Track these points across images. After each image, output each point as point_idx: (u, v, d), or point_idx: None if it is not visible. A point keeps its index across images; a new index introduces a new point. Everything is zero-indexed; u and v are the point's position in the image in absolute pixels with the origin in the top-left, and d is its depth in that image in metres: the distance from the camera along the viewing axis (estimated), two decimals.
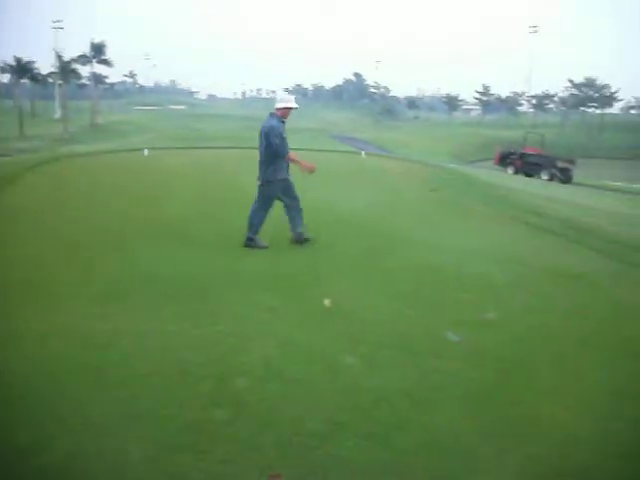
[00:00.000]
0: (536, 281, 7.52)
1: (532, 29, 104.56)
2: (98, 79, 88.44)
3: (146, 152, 22.68)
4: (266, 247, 8.58)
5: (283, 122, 8.67)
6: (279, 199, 8.76)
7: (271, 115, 8.72)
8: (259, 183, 8.70)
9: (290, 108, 8.70)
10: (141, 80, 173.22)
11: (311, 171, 8.76)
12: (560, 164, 38.70)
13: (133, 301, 5.98)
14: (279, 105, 8.69)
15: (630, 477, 3.45)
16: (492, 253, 8.88)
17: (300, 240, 8.79)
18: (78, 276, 6.87)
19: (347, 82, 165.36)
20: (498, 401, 4.25)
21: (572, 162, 39.34)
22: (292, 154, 8.69)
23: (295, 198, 8.80)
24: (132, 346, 4.89)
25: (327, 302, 6.01)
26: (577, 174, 39.20)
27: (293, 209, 8.80)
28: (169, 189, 14.11)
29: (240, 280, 6.90)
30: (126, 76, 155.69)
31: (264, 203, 8.73)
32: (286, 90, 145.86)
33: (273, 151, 8.49)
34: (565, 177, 37.53)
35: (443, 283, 7.23)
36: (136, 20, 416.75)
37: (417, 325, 5.66)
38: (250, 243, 8.59)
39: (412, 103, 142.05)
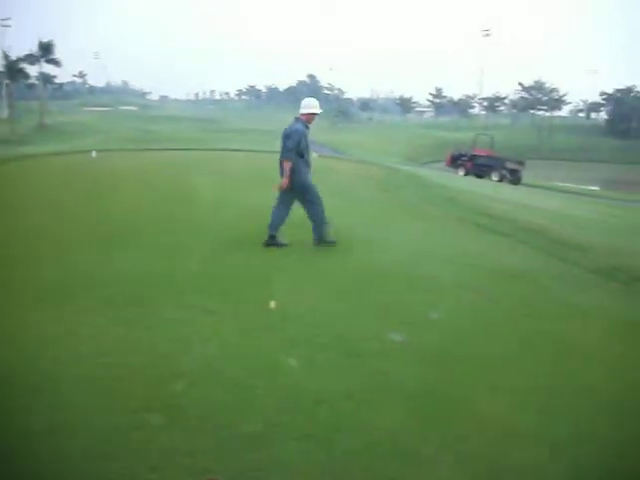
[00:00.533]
0: (483, 281, 7.58)
1: (484, 32, 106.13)
2: (47, 79, 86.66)
3: (94, 154, 22.36)
4: (334, 243, 9.00)
5: (307, 127, 8.84)
6: (297, 198, 8.98)
7: (296, 119, 8.90)
8: (295, 189, 8.82)
9: (315, 114, 8.91)
10: (91, 80, 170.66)
11: (282, 187, 8.76)
12: (510, 165, 39.32)
13: (69, 306, 5.82)
14: (305, 110, 8.88)
15: (568, 473, 3.47)
16: (440, 253, 8.95)
17: (269, 243, 8.82)
18: (13, 281, 6.69)
19: (301, 84, 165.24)
20: (440, 400, 4.24)
21: (521, 163, 40.00)
22: (287, 165, 8.63)
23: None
24: (65, 352, 4.75)
25: (272, 304, 5.95)
26: (527, 175, 39.87)
27: (286, 212, 9.00)
28: (115, 192, 13.92)
29: (179, 282, 6.80)
30: (75, 76, 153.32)
31: (313, 200, 8.92)
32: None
33: (284, 153, 8.69)
34: (514, 178, 38.12)
35: (390, 283, 7.24)
36: (86, 18, 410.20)
37: (362, 326, 5.64)
38: (319, 243, 8.95)
39: (366, 105, 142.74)
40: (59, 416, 3.76)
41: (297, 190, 8.83)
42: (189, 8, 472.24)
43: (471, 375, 4.73)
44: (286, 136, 8.71)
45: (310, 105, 8.93)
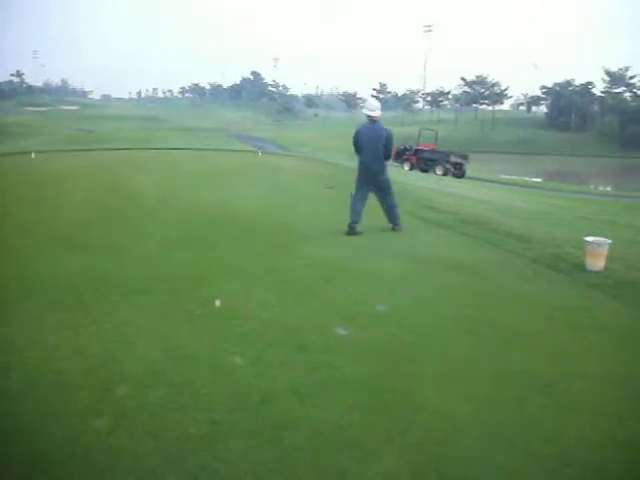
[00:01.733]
0: (426, 273, 7.68)
1: (426, 28, 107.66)
2: None
3: (33, 155, 21.93)
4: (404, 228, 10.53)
5: None
6: (376, 188, 10.52)
7: (375, 122, 10.25)
8: (382, 177, 10.39)
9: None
10: (29, 79, 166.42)
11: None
12: (454, 159, 39.83)
13: (13, 311, 5.69)
14: (379, 113, 10.28)
15: (513, 460, 3.52)
16: (384, 247, 9.05)
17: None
18: None
19: (245, 81, 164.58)
20: (385, 392, 4.29)
21: (465, 157, 40.56)
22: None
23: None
24: (9, 359, 4.64)
25: (217, 302, 5.92)
26: (471, 168, 40.46)
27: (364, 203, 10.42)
28: (56, 193, 13.65)
29: (126, 284, 6.66)
30: (13, 75, 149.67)
31: (391, 192, 10.56)
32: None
33: (389, 153, 10.39)
34: (459, 172, 38.66)
35: (335, 278, 7.28)
36: (24, 16, 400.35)
37: (307, 321, 5.66)
38: (396, 228, 10.47)
39: (311, 101, 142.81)
40: (3, 423, 3.71)
41: (381, 180, 10.37)
42: (128, 6, 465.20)
43: (416, 367, 4.79)
44: (387, 139, 10.19)
45: (379, 106, 10.43)
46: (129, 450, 3.43)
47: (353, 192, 10.37)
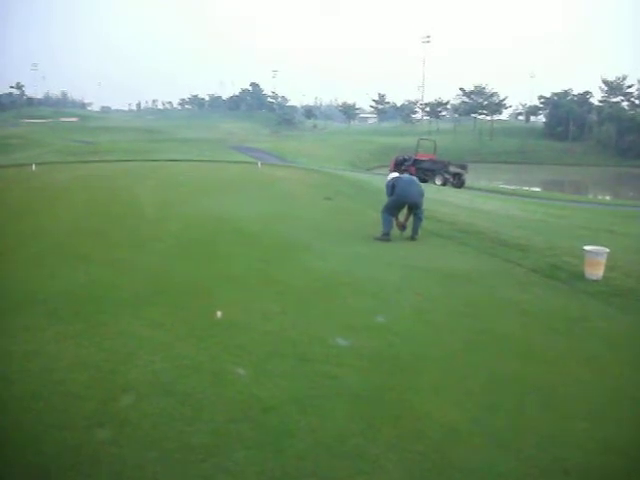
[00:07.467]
0: (425, 283, 7.72)
1: (425, 39, 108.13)
2: None
3: (34, 167, 21.98)
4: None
5: None
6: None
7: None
8: (417, 204, 11.31)
9: None
10: (29, 91, 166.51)
11: None
12: (452, 169, 39.73)
13: (14, 322, 5.73)
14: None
15: (511, 465, 3.55)
16: (384, 257, 9.09)
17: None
18: None
19: (244, 92, 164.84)
20: (386, 402, 4.32)
21: (464, 167, 40.48)
22: None
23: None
24: (12, 370, 4.67)
25: (219, 313, 5.95)
26: (469, 178, 40.45)
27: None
28: (57, 205, 13.70)
29: (127, 296, 6.71)
30: (13, 87, 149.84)
31: (420, 217, 11.50)
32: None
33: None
34: (458, 182, 38.59)
35: (335, 289, 7.32)
36: (23, 29, 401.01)
37: (308, 332, 5.69)
38: (415, 237, 11.18)
39: (310, 112, 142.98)
40: (6, 434, 3.73)
41: (418, 205, 11.26)
42: (129, 18, 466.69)
43: (416, 377, 4.82)
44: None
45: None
46: (132, 460, 3.46)
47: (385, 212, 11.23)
